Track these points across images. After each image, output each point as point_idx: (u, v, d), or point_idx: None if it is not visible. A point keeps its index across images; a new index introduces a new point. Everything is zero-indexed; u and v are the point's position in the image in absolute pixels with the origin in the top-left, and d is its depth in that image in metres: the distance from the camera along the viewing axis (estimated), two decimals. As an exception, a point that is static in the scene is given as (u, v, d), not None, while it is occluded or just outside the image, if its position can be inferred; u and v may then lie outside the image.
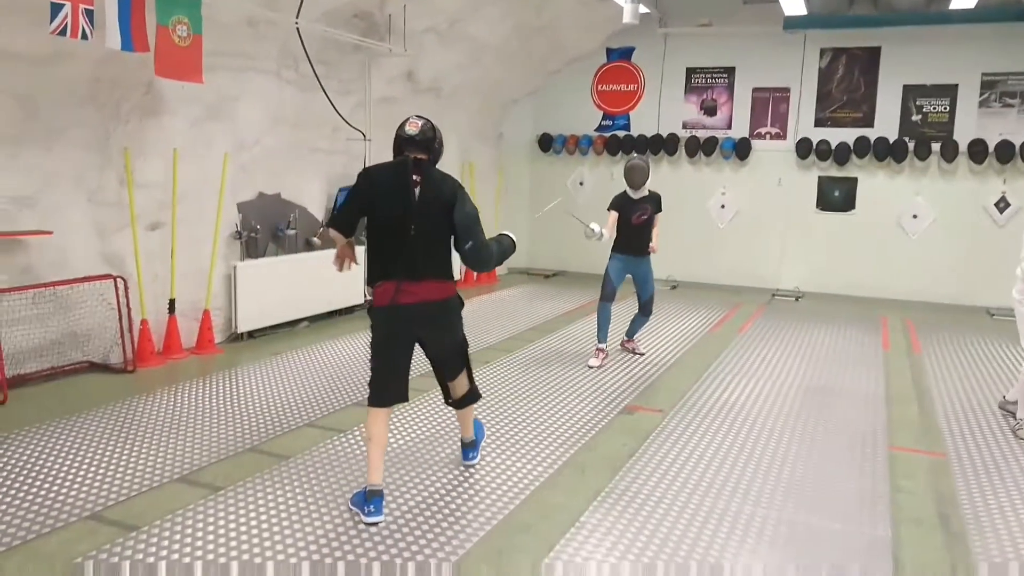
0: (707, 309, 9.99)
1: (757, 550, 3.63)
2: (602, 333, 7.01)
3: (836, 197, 11.17)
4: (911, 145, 10.63)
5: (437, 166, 3.99)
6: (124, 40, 5.51)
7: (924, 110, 10.61)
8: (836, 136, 11.01)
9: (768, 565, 3.50)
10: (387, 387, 3.95)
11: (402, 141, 3.92)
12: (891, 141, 10.69)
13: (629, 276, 7.08)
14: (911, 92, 10.67)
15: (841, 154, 10.91)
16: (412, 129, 3.90)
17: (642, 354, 7.37)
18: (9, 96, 5.59)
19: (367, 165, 4.09)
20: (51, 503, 3.94)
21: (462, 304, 4.13)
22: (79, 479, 4.25)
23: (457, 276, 4.22)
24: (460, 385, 4.32)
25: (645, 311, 7.23)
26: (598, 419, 5.49)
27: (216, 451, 4.71)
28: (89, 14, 5.19)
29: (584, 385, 6.32)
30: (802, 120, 11.26)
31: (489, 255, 4.10)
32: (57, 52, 5.68)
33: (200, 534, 3.62)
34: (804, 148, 11.11)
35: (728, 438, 5.16)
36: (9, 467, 4.38)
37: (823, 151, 11.01)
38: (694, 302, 10.47)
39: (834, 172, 11.13)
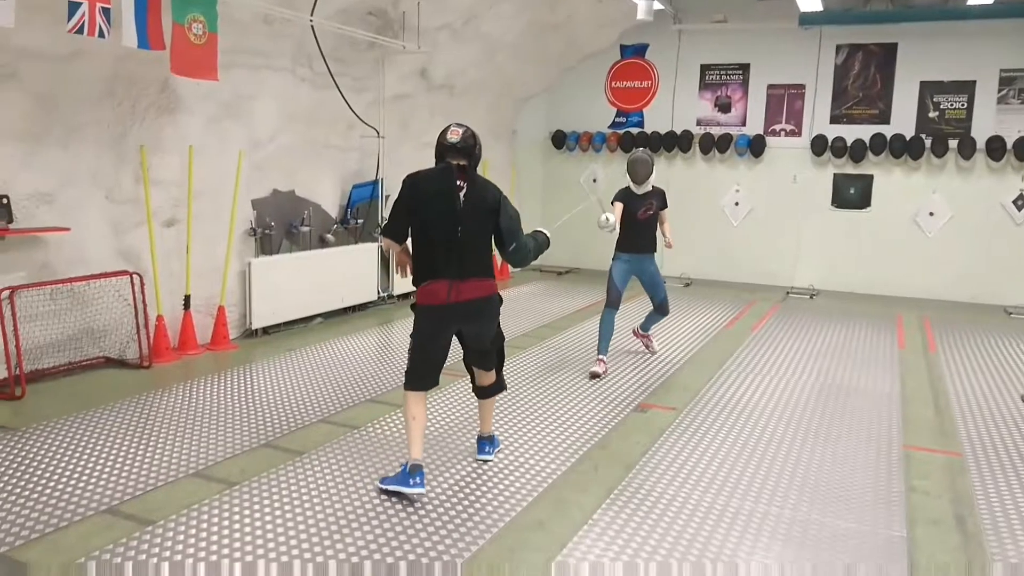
0: (721, 307, 9.95)
1: (771, 548, 3.62)
2: (603, 344, 6.60)
3: (851, 194, 11.10)
4: (928, 142, 10.55)
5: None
6: (140, 38, 5.55)
7: (941, 107, 10.52)
8: (852, 133, 10.93)
9: (782, 564, 3.49)
10: (424, 377, 4.22)
11: (445, 148, 4.14)
12: (908, 138, 10.62)
13: (635, 279, 6.83)
14: (928, 89, 10.58)
15: (857, 151, 10.84)
16: (454, 137, 4.12)
17: (655, 352, 7.26)
18: (29, 94, 5.64)
19: (410, 172, 4.20)
20: (68, 497, 3.98)
21: (501, 301, 4.38)
22: (96, 473, 4.29)
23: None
24: (488, 376, 4.54)
25: (662, 311, 7.02)
26: (611, 417, 5.49)
27: (231, 447, 4.74)
28: (106, 12, 5.23)
29: (597, 383, 6.31)
30: (817, 117, 11.20)
31: (527, 253, 4.46)
32: (75, 51, 5.74)
33: (215, 529, 3.65)
34: (819, 145, 11.04)
35: (742, 436, 5.14)
36: (28, 461, 4.42)
37: (838, 148, 10.94)
38: (707, 300, 10.44)
39: (850, 169, 11.06)
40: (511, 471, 4.45)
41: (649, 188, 6.64)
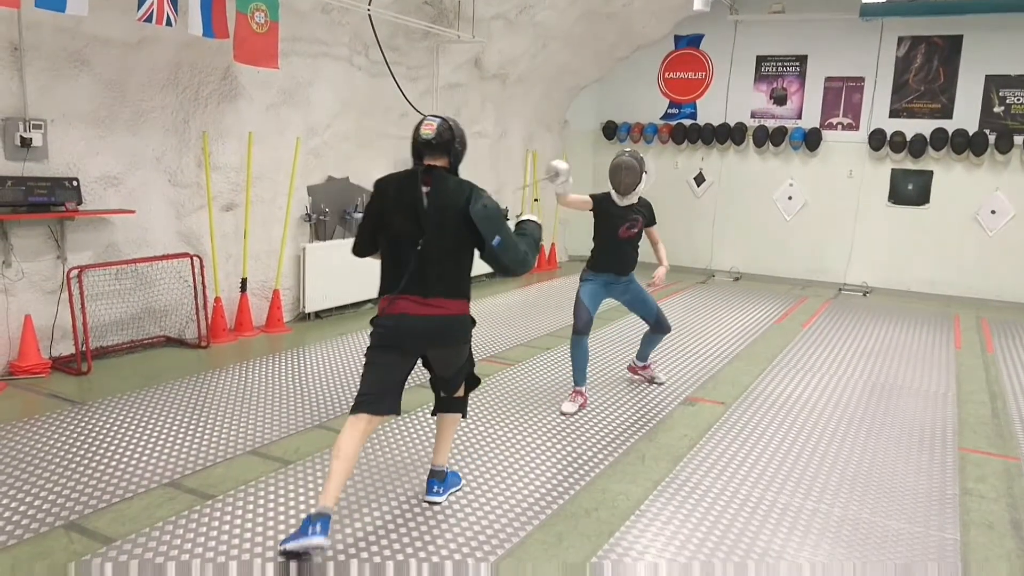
0: (771, 302, 9.84)
1: (820, 546, 3.61)
2: (579, 375, 5.45)
3: (909, 190, 10.84)
4: (992, 138, 10.23)
5: (462, 164, 3.69)
6: (205, 27, 5.71)
7: (1007, 101, 10.19)
8: (912, 128, 10.67)
9: (831, 562, 3.47)
10: (366, 394, 3.56)
11: (418, 145, 3.60)
12: (971, 133, 10.31)
13: (611, 302, 5.78)
14: (994, 82, 10.25)
15: (916, 146, 10.58)
16: (428, 132, 3.56)
17: (662, 382, 6.07)
18: (100, 81, 5.84)
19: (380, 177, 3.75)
20: (133, 469, 4.15)
21: (473, 323, 3.76)
22: (158, 448, 4.45)
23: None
24: (459, 390, 3.97)
25: (662, 328, 5.78)
26: (659, 409, 5.49)
27: (286, 426, 4.88)
28: (174, 2, 5.39)
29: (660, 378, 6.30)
30: (876, 111, 10.95)
31: (519, 255, 3.66)
32: (142, 38, 5.92)
33: (272, 505, 3.77)
34: (878, 139, 10.80)
35: (791, 433, 5.10)
36: (94, 434, 4.61)
37: (897, 143, 10.68)
38: (758, 295, 10.32)
39: (908, 164, 10.80)
40: (559, 459, 4.49)
41: (635, 200, 5.50)
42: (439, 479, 3.94)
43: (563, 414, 5.27)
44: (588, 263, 5.60)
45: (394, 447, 4.58)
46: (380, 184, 3.69)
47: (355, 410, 3.54)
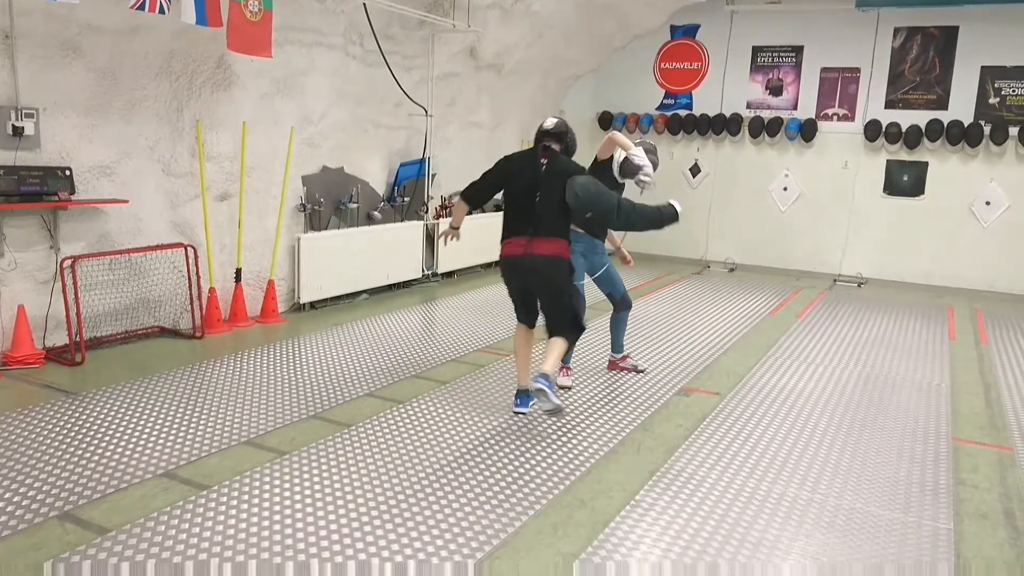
0: (766, 293, 9.86)
1: (814, 536, 3.62)
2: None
3: (905, 182, 10.85)
4: (987, 129, 10.24)
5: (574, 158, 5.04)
6: (199, 15, 5.67)
7: (1003, 93, 10.20)
8: (907, 119, 10.67)
9: (825, 551, 3.49)
10: (517, 310, 5.10)
11: (540, 133, 4.99)
12: (966, 124, 10.32)
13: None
14: (989, 74, 10.26)
15: (912, 137, 10.58)
16: (549, 124, 5.01)
17: (643, 370, 6.14)
18: (93, 69, 5.79)
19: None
20: (128, 460, 4.14)
21: (571, 270, 4.96)
22: (152, 438, 4.44)
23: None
24: (557, 340, 4.97)
25: (624, 304, 5.97)
26: (654, 399, 5.50)
27: (281, 417, 4.87)
28: (167, -11, 5.34)
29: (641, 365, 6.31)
30: (872, 101, 10.94)
31: (631, 210, 4.82)
32: (135, 26, 5.87)
33: (267, 495, 3.77)
34: (873, 130, 10.80)
35: (785, 423, 5.12)
36: (89, 424, 4.60)
37: (893, 134, 10.69)
38: (753, 285, 10.34)
39: (904, 156, 10.81)
40: (555, 449, 4.50)
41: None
42: (545, 377, 4.79)
43: (561, 388, 5.56)
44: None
45: (396, 440, 4.58)
46: (507, 157, 5.13)
47: (519, 320, 5.12)
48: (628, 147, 5.33)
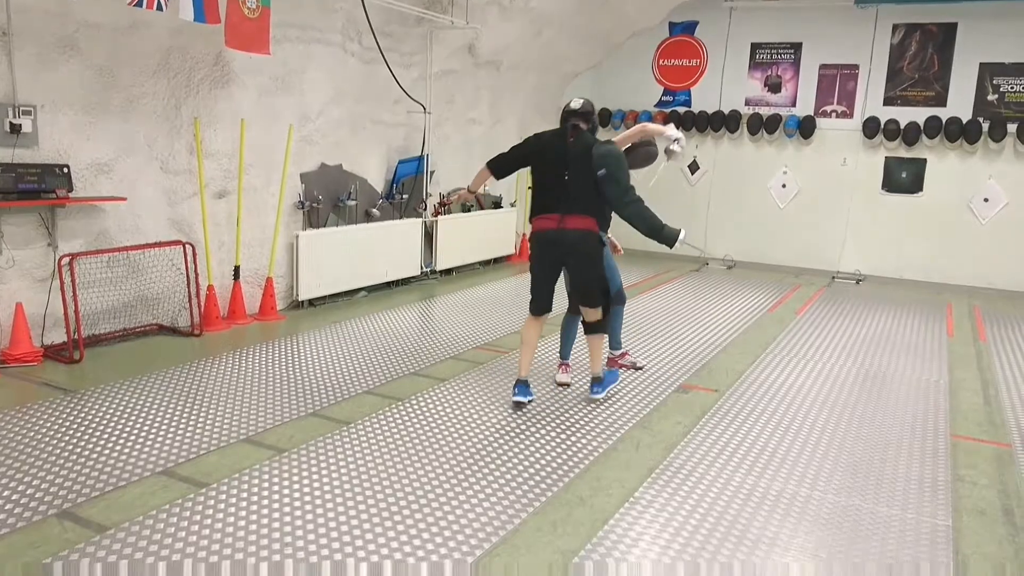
0: (765, 290, 9.86)
1: (812, 533, 3.62)
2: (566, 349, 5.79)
3: (903, 178, 10.85)
4: (985, 126, 10.24)
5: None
6: (197, 12, 5.65)
7: (1001, 89, 10.19)
8: (906, 115, 10.67)
9: (824, 547, 3.49)
10: (535, 299, 5.22)
11: (566, 113, 5.15)
12: (964, 121, 10.32)
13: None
14: (988, 70, 10.25)
15: (910, 134, 10.58)
16: (575, 104, 5.16)
17: (642, 367, 6.15)
18: (91, 66, 5.78)
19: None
20: (126, 457, 4.13)
21: (602, 244, 5.16)
22: (151, 436, 4.44)
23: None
24: (592, 312, 5.25)
25: (619, 299, 5.85)
26: (653, 397, 5.50)
27: (279, 414, 4.87)
28: (164, -14, 5.32)
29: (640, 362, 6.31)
30: (870, 98, 10.94)
31: (620, 190, 4.93)
32: (132, 22, 5.86)
33: (266, 493, 3.76)
34: (872, 127, 10.80)
35: (784, 420, 5.12)
36: (87, 422, 4.60)
37: (891, 131, 10.68)
38: (751, 282, 10.34)
39: (902, 152, 10.80)
40: (553, 447, 4.50)
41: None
42: (598, 383, 5.30)
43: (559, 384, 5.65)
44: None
45: (395, 438, 4.58)
46: (536, 135, 5.26)
47: (529, 311, 5.25)
48: (663, 131, 5.72)
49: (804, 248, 11.49)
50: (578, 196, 4.96)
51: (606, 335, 5.42)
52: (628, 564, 3.29)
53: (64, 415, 4.69)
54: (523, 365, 5.18)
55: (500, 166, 5.30)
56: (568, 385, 5.62)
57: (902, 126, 10.63)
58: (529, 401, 5.13)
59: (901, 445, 4.79)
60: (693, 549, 3.43)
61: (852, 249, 11.26)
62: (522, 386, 5.13)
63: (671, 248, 5.00)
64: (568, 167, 4.97)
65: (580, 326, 5.54)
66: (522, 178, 11.49)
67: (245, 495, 3.74)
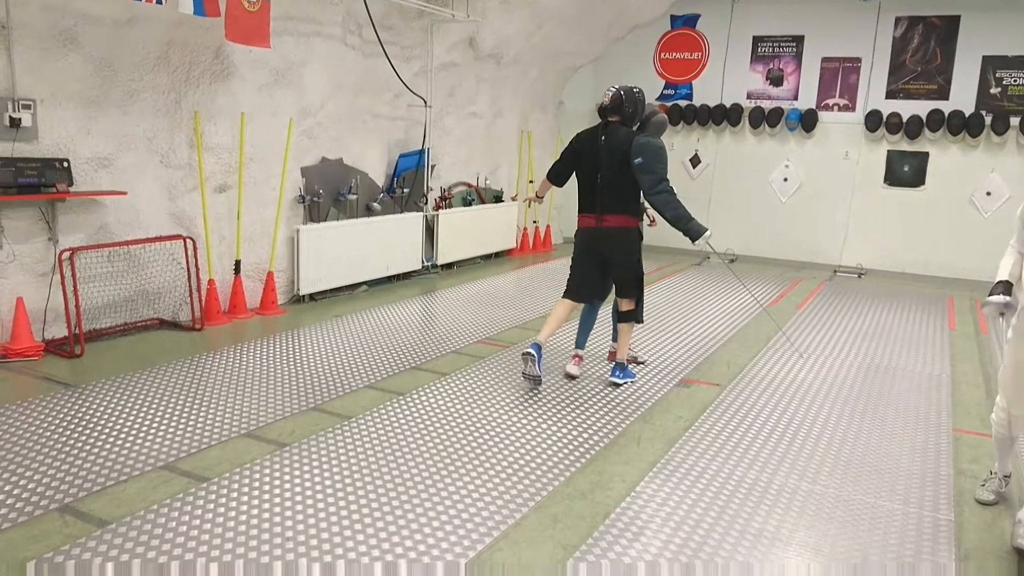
0: (766, 284, 9.85)
1: (814, 527, 3.62)
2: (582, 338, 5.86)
3: (905, 172, 10.82)
4: (988, 119, 10.20)
5: (634, 127, 5.31)
6: (197, 5, 5.64)
7: (1004, 83, 10.15)
8: (908, 109, 10.63)
9: (825, 542, 3.49)
10: (574, 288, 5.46)
11: (600, 109, 5.26)
12: (967, 115, 10.28)
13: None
14: (991, 63, 10.21)
15: (913, 127, 10.54)
16: (605, 100, 5.19)
17: (644, 361, 6.16)
18: (91, 60, 5.76)
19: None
20: (127, 452, 4.13)
21: (641, 238, 5.46)
22: (152, 430, 4.44)
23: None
24: (626, 302, 5.48)
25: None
26: (654, 391, 5.49)
27: (280, 409, 4.86)
28: (164, -21, 5.30)
29: (641, 356, 6.30)
30: (873, 92, 10.90)
31: (655, 180, 5.04)
32: (132, 16, 5.83)
33: (267, 487, 3.76)
34: (874, 121, 10.77)
35: (785, 415, 5.11)
36: (88, 416, 4.60)
37: (894, 124, 10.65)
38: (753, 276, 10.32)
39: (904, 146, 10.77)
40: (555, 441, 4.50)
41: None
42: (620, 368, 5.53)
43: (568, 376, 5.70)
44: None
45: (396, 432, 4.57)
46: (577, 135, 5.43)
47: (564, 296, 5.47)
48: None
49: (806, 242, 11.47)
50: (612, 197, 5.15)
51: (635, 324, 5.66)
52: (630, 558, 3.28)
53: (65, 410, 4.69)
54: (544, 331, 5.32)
55: (554, 176, 5.62)
56: (576, 378, 5.63)
57: (904, 119, 10.59)
58: (538, 378, 5.20)
59: (903, 438, 4.78)
60: (694, 544, 3.43)
61: (854, 243, 11.23)
62: (536, 345, 5.23)
63: (693, 242, 5.14)
64: (600, 169, 5.13)
65: (596, 318, 5.84)
66: (522, 172, 11.50)
67: (247, 489, 3.74)
